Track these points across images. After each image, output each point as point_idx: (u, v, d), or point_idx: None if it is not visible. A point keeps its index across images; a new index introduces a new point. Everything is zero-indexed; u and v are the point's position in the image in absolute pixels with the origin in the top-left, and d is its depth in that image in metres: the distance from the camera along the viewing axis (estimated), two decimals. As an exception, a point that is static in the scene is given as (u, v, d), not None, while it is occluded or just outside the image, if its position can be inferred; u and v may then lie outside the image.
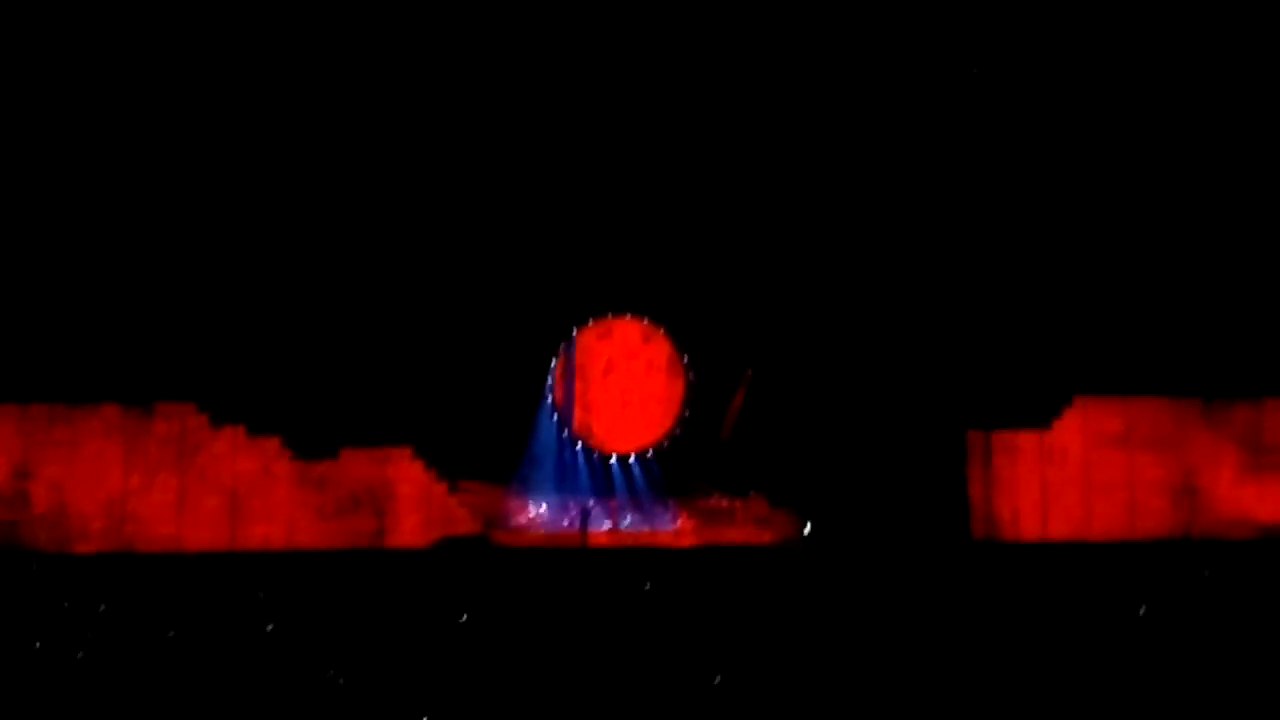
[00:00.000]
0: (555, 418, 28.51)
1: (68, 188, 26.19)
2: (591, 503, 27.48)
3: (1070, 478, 26.36)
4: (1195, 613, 16.37)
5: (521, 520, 27.70)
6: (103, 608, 17.54)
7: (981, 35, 26.45)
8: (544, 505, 27.88)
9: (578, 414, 28.80)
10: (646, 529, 27.53)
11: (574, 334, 28.58)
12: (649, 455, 28.53)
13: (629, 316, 28.84)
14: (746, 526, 27.33)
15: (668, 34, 26.26)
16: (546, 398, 28.45)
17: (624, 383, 28.96)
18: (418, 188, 26.85)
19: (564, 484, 28.17)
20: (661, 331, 28.85)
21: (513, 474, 27.69)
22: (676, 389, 28.88)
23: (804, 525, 26.50)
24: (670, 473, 28.23)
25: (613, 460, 28.48)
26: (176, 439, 26.05)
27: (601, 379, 28.91)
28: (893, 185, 26.80)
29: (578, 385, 28.83)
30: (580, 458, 28.45)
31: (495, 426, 27.06)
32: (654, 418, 28.85)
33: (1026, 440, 26.54)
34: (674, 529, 27.48)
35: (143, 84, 26.12)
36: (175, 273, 26.41)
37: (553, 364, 28.47)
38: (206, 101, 26.31)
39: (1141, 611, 16.24)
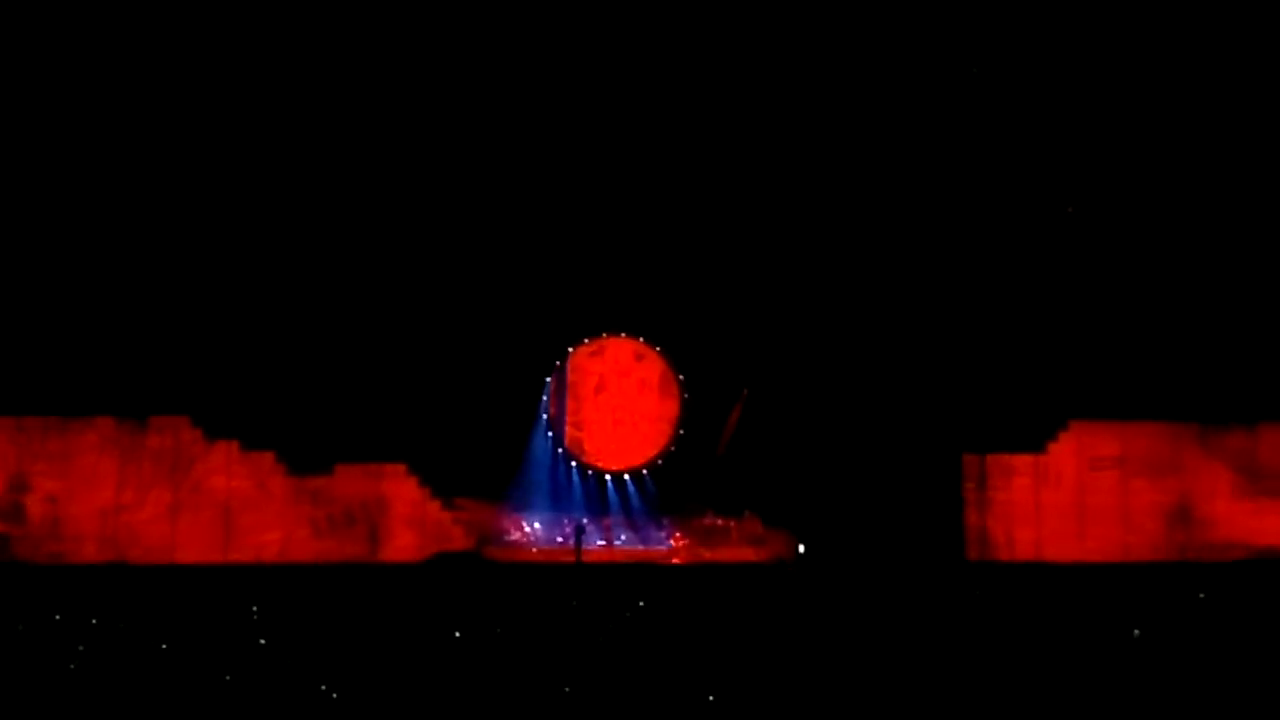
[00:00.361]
0: (550, 435, 28.51)
1: (63, 199, 26.16)
2: (585, 520, 27.44)
3: (1065, 501, 26.34)
4: (1189, 636, 16.36)
5: (515, 537, 27.69)
6: (95, 620, 17.51)
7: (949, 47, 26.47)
8: (538, 522, 27.88)
9: (569, 432, 28.80)
10: (640, 547, 27.53)
11: (569, 352, 28.60)
12: (644, 473, 28.53)
13: (622, 335, 28.86)
14: (741, 545, 27.32)
15: (656, 48, 26.24)
16: (541, 415, 28.44)
17: (615, 401, 28.97)
18: (412, 202, 26.84)
19: (558, 501, 28.19)
20: (654, 351, 28.86)
21: (507, 491, 27.67)
22: (669, 408, 28.89)
23: (798, 545, 26.46)
24: (665, 491, 28.24)
25: (607, 478, 28.49)
26: (171, 453, 26.02)
27: (593, 397, 28.92)
28: (888, 206, 26.78)
29: (569, 403, 28.84)
30: (575, 475, 28.46)
31: (489, 443, 27.03)
32: (646, 436, 28.85)
33: (1021, 463, 26.53)
34: (668, 547, 27.47)
35: (135, 103, 26.10)
36: (171, 287, 26.38)
37: (547, 381, 28.46)
38: (198, 121, 26.28)
39: (1135, 634, 16.22)
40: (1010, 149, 26.73)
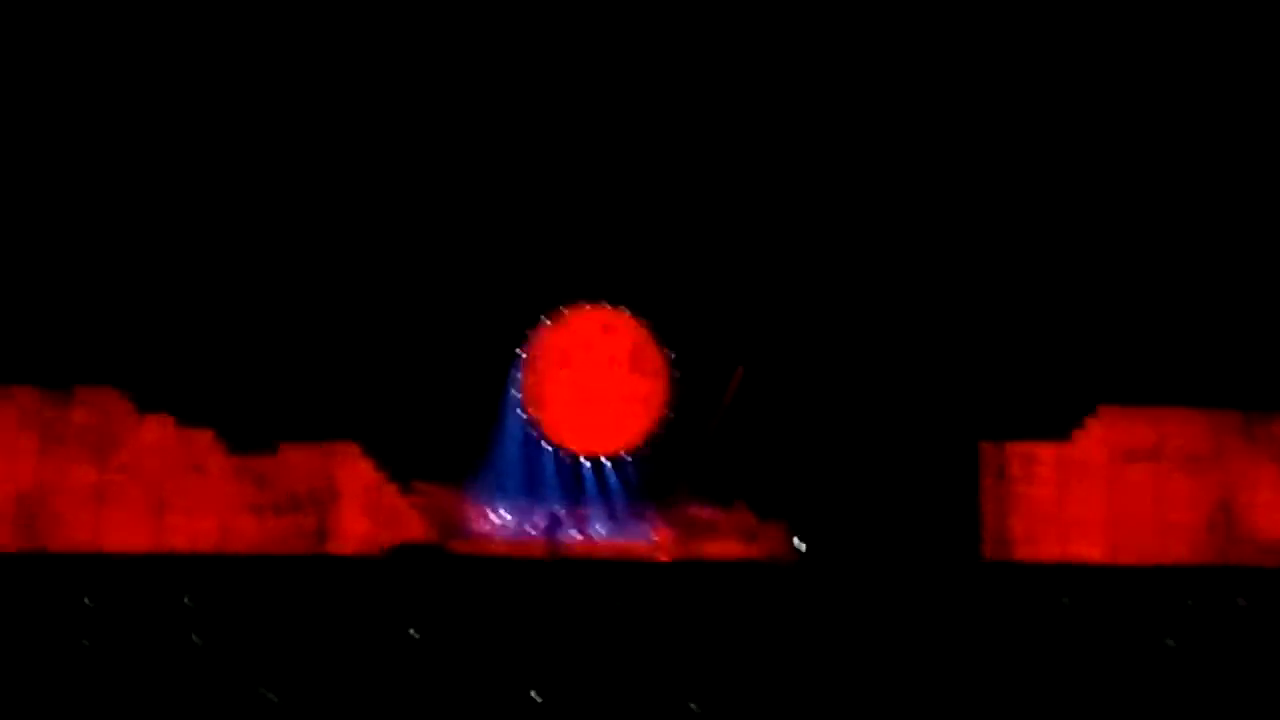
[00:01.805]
0: (521, 414, 28.40)
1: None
2: (560, 510, 27.38)
3: (1093, 495, 26.33)
4: (1229, 646, 16.33)
5: (482, 527, 27.61)
6: (9, 614, 17.43)
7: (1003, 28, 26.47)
8: (506, 511, 27.78)
9: (527, 411, 28.62)
10: (619, 540, 27.47)
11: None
12: (624, 459, 28.43)
13: (601, 305, 28.71)
14: (731, 540, 27.24)
15: (639, 17, 26.28)
16: (511, 392, 28.33)
17: (579, 378, 28.78)
18: (369, 171, 26.87)
19: (529, 487, 28.08)
20: (627, 322, 28.67)
21: (472, 475, 27.57)
22: (645, 386, 28.74)
23: (795, 541, 26.44)
24: (647, 477, 28.14)
25: (584, 463, 28.39)
26: (98, 428, 25.92)
27: (554, 373, 28.74)
28: (900, 176, 26.81)
29: (528, 379, 28.65)
30: (549, 459, 28.34)
31: (454, 422, 26.92)
32: (617, 417, 28.69)
33: (1045, 453, 26.51)
34: (650, 541, 27.40)
35: (84, 68, 26.07)
36: (101, 248, 26.32)
37: (520, 355, 28.34)
38: (140, 81, 26.26)
39: (1170, 644, 16.19)
40: (1030, 125, 26.75)
